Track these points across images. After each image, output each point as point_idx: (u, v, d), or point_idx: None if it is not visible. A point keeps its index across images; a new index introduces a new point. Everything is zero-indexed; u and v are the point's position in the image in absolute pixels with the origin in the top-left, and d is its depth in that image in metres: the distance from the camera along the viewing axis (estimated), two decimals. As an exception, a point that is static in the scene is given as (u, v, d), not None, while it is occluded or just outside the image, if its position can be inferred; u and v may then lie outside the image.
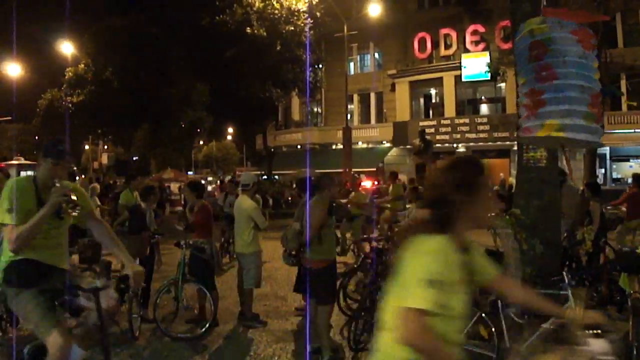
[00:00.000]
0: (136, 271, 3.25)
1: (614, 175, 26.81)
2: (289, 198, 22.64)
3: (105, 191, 16.89)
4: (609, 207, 11.36)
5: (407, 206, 9.91)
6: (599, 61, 3.31)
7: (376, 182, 20.23)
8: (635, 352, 4.09)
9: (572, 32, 3.32)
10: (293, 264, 5.70)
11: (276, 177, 30.80)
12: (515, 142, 5.15)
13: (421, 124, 26.15)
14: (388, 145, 30.66)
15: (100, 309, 3.00)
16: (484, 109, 30.22)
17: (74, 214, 3.12)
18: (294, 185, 19.99)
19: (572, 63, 3.29)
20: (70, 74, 27.31)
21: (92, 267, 6.80)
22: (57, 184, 3.10)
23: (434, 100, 31.63)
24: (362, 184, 14.28)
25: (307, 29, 23.46)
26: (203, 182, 29.54)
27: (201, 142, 55.43)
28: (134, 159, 38.88)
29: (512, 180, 17.58)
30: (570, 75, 3.28)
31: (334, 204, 5.28)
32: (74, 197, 3.09)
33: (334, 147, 31.87)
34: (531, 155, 5.74)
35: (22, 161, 25.44)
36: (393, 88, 31.35)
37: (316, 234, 4.86)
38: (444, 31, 29.41)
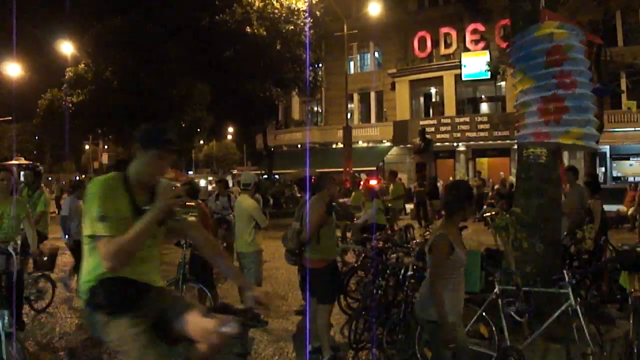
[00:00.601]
0: (264, 292, 2.66)
1: (614, 174, 26.81)
2: (290, 196, 22.63)
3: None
4: None
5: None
6: (596, 63, 3.43)
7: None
8: (635, 350, 4.09)
9: (581, 42, 3.42)
10: (294, 264, 5.70)
11: (276, 176, 30.81)
12: (516, 141, 5.18)
13: (421, 123, 26.17)
14: (388, 144, 30.67)
15: (247, 336, 2.54)
16: (484, 107, 30.23)
17: (190, 218, 2.55)
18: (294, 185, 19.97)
19: (584, 73, 3.39)
20: (70, 74, 27.27)
21: (46, 275, 6.94)
22: (162, 183, 2.48)
23: (434, 99, 31.63)
24: (371, 182, 14.21)
25: (307, 28, 23.43)
26: (204, 182, 29.65)
27: (201, 142, 55.41)
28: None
29: (513, 179, 17.58)
30: (585, 84, 3.37)
31: (334, 203, 5.27)
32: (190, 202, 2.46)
33: (334, 146, 31.89)
34: (531, 151, 5.73)
35: (22, 161, 25.46)
36: (393, 87, 31.35)
37: (315, 233, 4.85)
38: (444, 30, 29.40)
